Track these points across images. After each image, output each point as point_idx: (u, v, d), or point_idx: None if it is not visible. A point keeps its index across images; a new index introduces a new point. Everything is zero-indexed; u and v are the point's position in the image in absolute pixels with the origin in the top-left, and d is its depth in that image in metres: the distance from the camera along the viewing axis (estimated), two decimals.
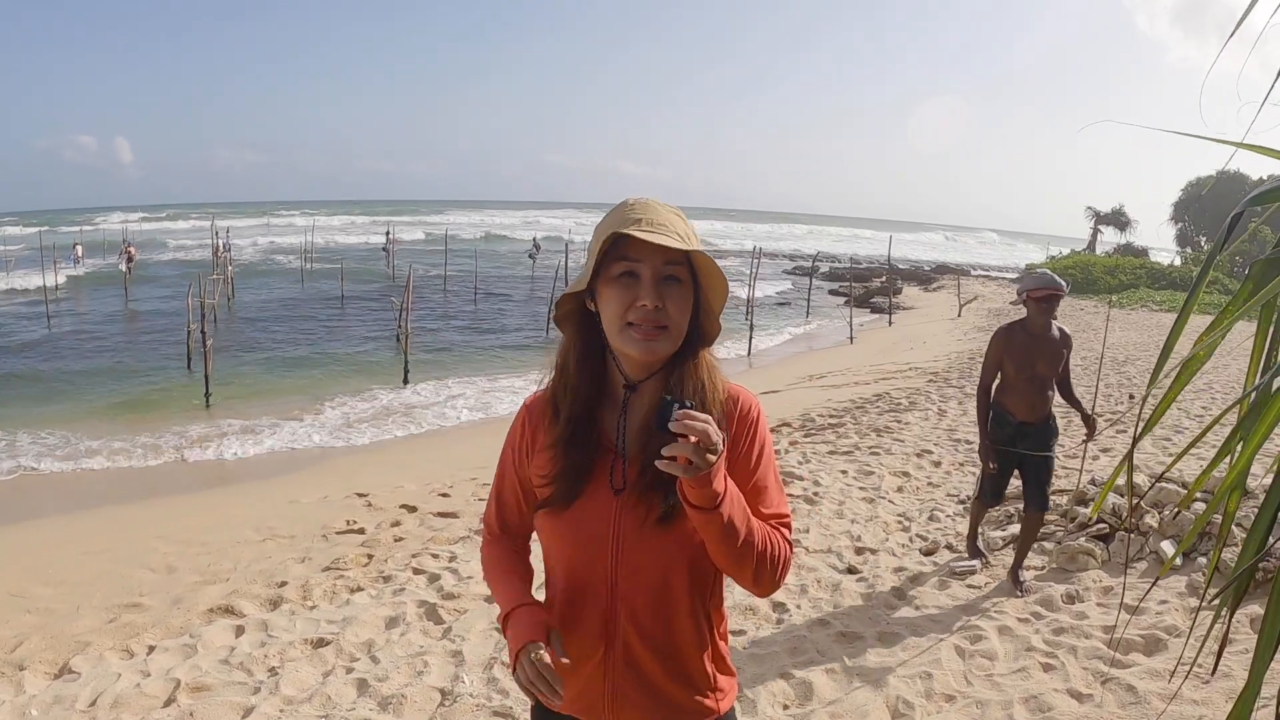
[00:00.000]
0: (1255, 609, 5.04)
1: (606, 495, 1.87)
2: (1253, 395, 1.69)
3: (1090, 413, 6.24)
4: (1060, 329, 6.07)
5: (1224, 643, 1.94)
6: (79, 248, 42.47)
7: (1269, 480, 1.68)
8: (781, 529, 1.90)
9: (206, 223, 54.65)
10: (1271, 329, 1.80)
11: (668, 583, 1.89)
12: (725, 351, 22.84)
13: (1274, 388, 1.68)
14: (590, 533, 1.88)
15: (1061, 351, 6.01)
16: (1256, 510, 1.64)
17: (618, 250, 1.83)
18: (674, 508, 1.81)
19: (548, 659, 1.77)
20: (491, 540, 2.13)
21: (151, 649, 5.44)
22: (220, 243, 40.71)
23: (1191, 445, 1.88)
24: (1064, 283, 6.00)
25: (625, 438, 1.92)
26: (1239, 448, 1.79)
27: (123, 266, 35.68)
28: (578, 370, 1.92)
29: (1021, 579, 6.08)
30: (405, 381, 18.22)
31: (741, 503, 1.76)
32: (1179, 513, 6.25)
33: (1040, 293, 5.90)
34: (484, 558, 2.12)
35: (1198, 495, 6.26)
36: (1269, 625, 1.54)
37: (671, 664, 1.93)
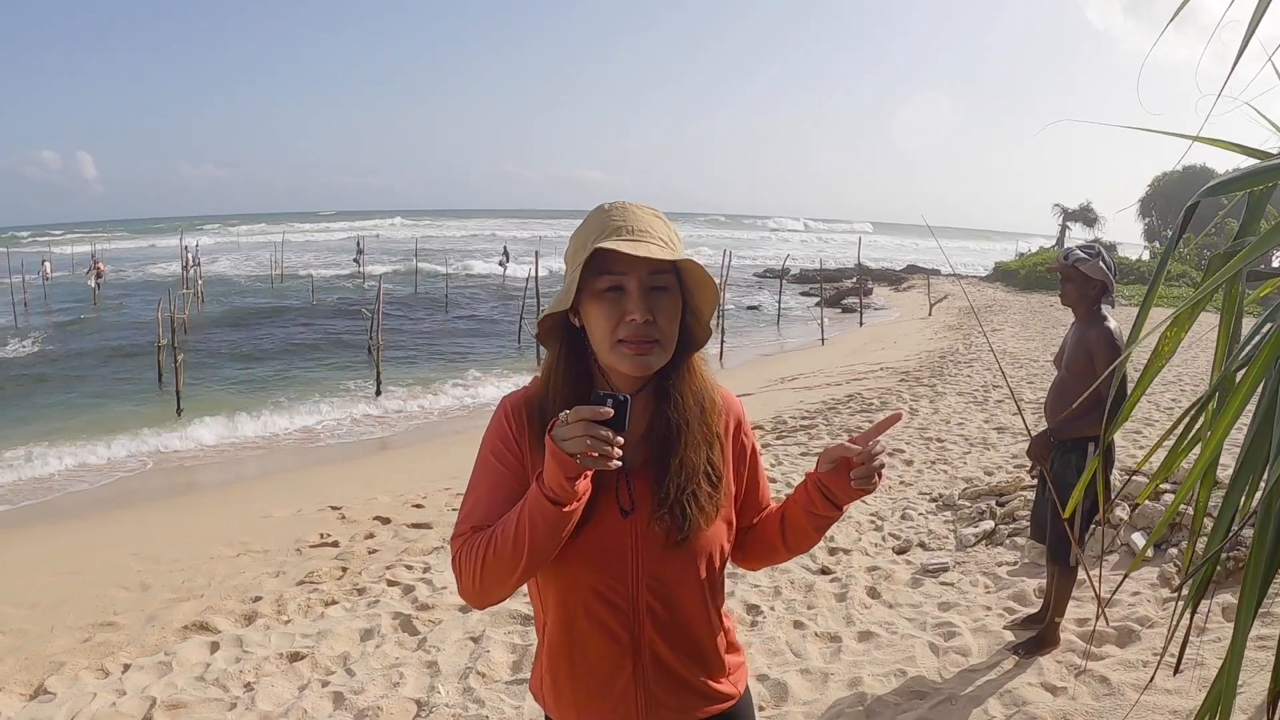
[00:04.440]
0: (1228, 598, 5.07)
1: (616, 516, 1.85)
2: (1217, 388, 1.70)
3: (1048, 435, 4.73)
4: (1098, 323, 4.69)
5: (1189, 632, 1.95)
6: (47, 264, 42.26)
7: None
8: None
9: (175, 237, 54.45)
10: (1233, 321, 1.82)
11: (687, 589, 1.90)
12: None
13: (1237, 378, 1.69)
14: (609, 557, 1.84)
15: (1078, 350, 4.73)
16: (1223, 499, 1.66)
17: (601, 263, 1.76)
18: (693, 528, 1.84)
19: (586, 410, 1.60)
20: (469, 534, 1.83)
21: (126, 668, 5.40)
22: (190, 256, 40.60)
23: (1163, 439, 1.89)
24: (1078, 254, 4.77)
25: (626, 453, 1.83)
26: (1206, 434, 1.81)
27: (92, 282, 35.56)
28: (565, 388, 1.85)
29: (1018, 641, 5.00)
30: (378, 393, 18.16)
31: None
32: (1138, 505, 6.26)
33: (1049, 269, 4.85)
34: (472, 546, 1.78)
35: (1166, 486, 6.30)
36: (1244, 614, 1.56)
37: (696, 658, 1.94)
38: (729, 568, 2.04)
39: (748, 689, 2.09)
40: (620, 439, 1.60)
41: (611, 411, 1.58)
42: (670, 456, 1.85)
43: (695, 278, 1.81)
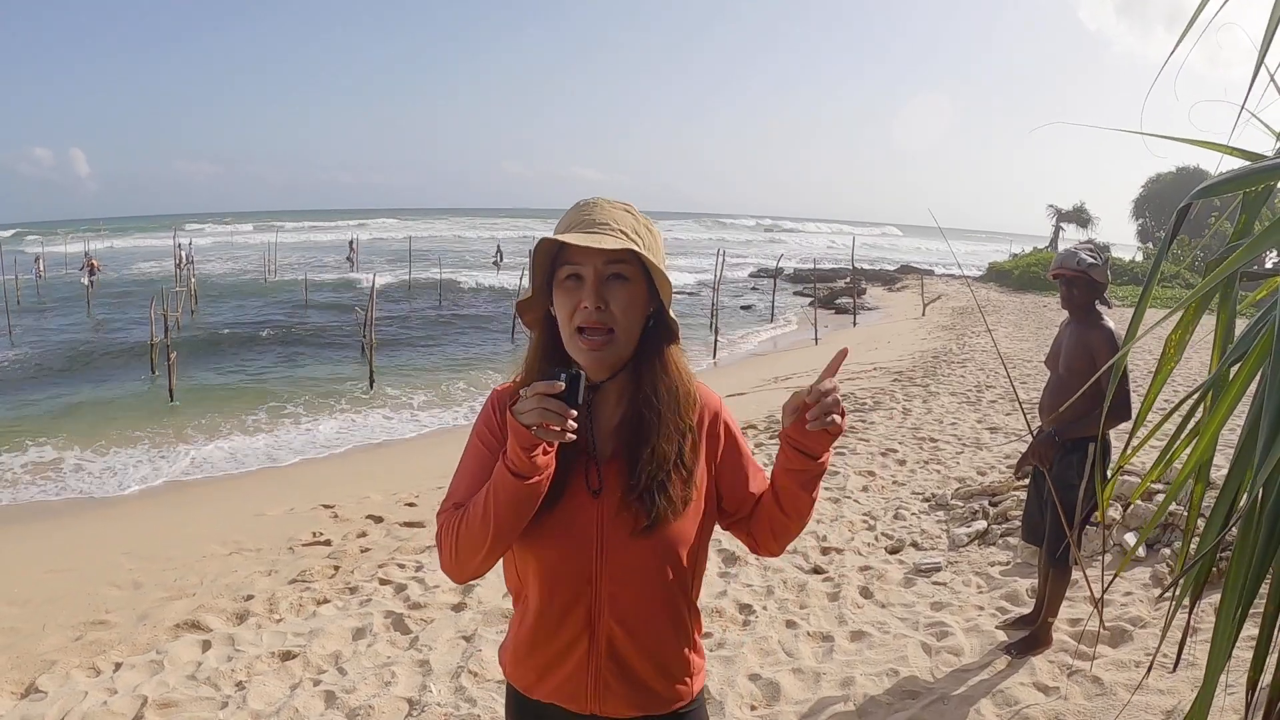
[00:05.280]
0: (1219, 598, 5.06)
1: (584, 498, 1.90)
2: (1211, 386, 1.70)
3: (1052, 435, 4.69)
4: (1098, 324, 4.72)
5: (1186, 632, 1.96)
6: (40, 262, 42.16)
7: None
8: None
9: (169, 235, 54.35)
10: (1228, 320, 1.82)
11: (650, 582, 1.93)
12: (689, 355, 22.85)
13: (1231, 373, 1.69)
14: (573, 537, 1.90)
15: (1080, 352, 4.72)
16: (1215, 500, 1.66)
17: (564, 255, 1.86)
18: (660, 518, 1.87)
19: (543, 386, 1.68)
20: (450, 511, 1.93)
21: (118, 666, 5.38)
22: (183, 254, 40.51)
23: (1151, 435, 1.89)
24: (1086, 259, 4.73)
25: (594, 438, 1.95)
26: (1192, 433, 1.81)
27: (85, 280, 35.44)
28: (540, 373, 1.89)
29: (1012, 641, 5.02)
30: (370, 389, 18.15)
31: None
32: (1130, 505, 6.26)
33: (1052, 272, 4.91)
34: (451, 521, 1.89)
35: (1158, 485, 6.30)
36: (1224, 613, 1.56)
37: (653, 655, 1.97)
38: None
39: (703, 692, 2.12)
40: (573, 411, 1.68)
41: (563, 385, 1.67)
42: (642, 445, 1.89)
43: (651, 269, 1.86)
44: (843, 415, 1.78)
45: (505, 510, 1.77)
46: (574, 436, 1.71)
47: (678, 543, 1.92)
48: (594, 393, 1.94)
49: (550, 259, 1.89)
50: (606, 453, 1.94)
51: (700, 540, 1.99)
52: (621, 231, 1.83)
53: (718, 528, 2.08)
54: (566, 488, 1.89)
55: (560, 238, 1.79)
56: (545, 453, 1.74)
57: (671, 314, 1.94)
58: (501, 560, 2.00)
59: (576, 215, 1.88)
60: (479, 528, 1.81)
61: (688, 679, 2.03)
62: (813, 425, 1.76)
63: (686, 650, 2.02)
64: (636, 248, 1.80)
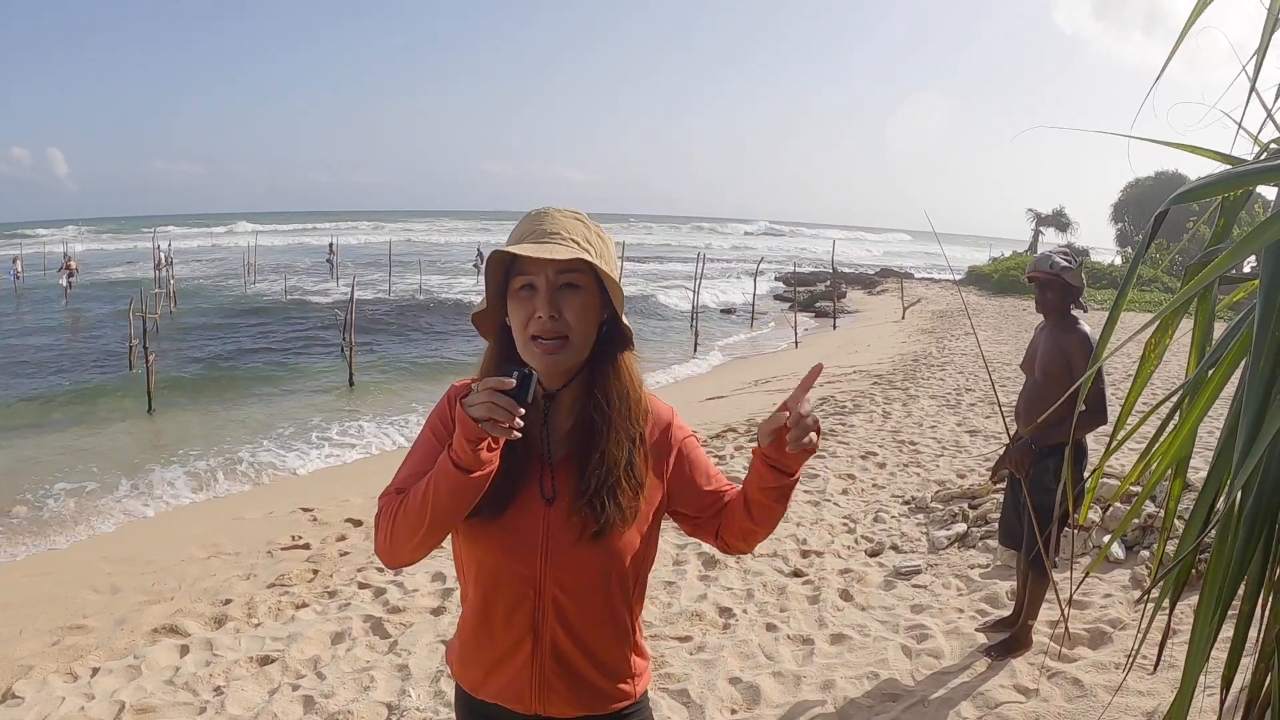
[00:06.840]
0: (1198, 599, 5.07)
1: (537, 505, 1.93)
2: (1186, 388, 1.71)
3: (1029, 443, 4.65)
4: (1074, 329, 4.74)
5: (1166, 633, 1.96)
6: (18, 263, 41.86)
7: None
8: None
9: (148, 237, 54.14)
10: (1206, 325, 1.83)
11: (595, 587, 1.96)
12: (670, 359, 22.83)
13: (1207, 376, 1.70)
14: (521, 542, 1.92)
15: (1055, 356, 4.73)
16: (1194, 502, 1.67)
17: (517, 266, 1.89)
18: (608, 525, 1.90)
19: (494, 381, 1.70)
20: (392, 495, 1.94)
21: (95, 671, 5.35)
22: (162, 256, 40.31)
23: (1127, 437, 1.90)
24: (1060, 262, 4.75)
25: (550, 445, 1.98)
26: (1169, 432, 1.82)
27: (63, 281, 35.29)
28: (496, 372, 1.89)
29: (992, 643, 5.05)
30: (350, 391, 18.12)
31: None
32: (1110, 506, 6.28)
33: (1026, 275, 4.94)
34: (391, 505, 1.91)
35: (1137, 488, 6.32)
36: (1202, 615, 1.56)
37: (595, 657, 2.00)
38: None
39: (646, 694, 2.15)
40: (521, 409, 1.70)
41: (514, 383, 1.69)
42: (592, 450, 1.92)
43: (603, 277, 1.89)
44: (819, 434, 1.80)
45: (444, 500, 1.79)
46: (519, 435, 1.72)
47: (624, 550, 1.96)
48: (550, 402, 1.97)
49: (503, 270, 1.92)
50: (559, 458, 1.97)
51: (647, 549, 2.04)
52: (573, 240, 1.86)
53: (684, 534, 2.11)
54: (520, 494, 1.93)
55: (512, 249, 1.81)
56: (490, 449, 1.75)
57: (625, 321, 1.96)
58: (453, 560, 2.05)
59: (528, 225, 1.91)
60: (415, 515, 1.82)
61: (630, 680, 2.07)
62: (792, 447, 1.78)
63: (629, 653, 2.07)
64: (588, 256, 1.83)
